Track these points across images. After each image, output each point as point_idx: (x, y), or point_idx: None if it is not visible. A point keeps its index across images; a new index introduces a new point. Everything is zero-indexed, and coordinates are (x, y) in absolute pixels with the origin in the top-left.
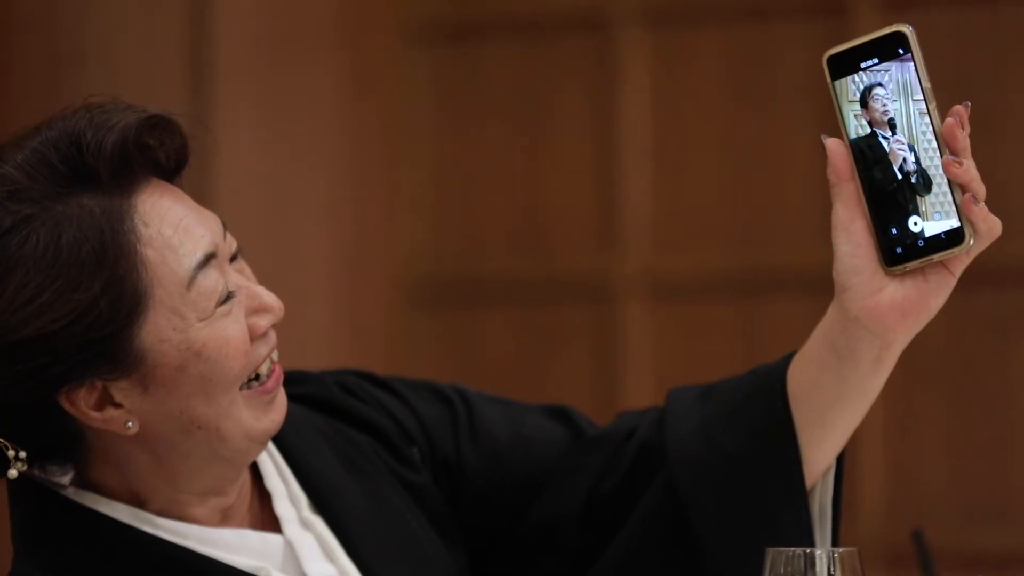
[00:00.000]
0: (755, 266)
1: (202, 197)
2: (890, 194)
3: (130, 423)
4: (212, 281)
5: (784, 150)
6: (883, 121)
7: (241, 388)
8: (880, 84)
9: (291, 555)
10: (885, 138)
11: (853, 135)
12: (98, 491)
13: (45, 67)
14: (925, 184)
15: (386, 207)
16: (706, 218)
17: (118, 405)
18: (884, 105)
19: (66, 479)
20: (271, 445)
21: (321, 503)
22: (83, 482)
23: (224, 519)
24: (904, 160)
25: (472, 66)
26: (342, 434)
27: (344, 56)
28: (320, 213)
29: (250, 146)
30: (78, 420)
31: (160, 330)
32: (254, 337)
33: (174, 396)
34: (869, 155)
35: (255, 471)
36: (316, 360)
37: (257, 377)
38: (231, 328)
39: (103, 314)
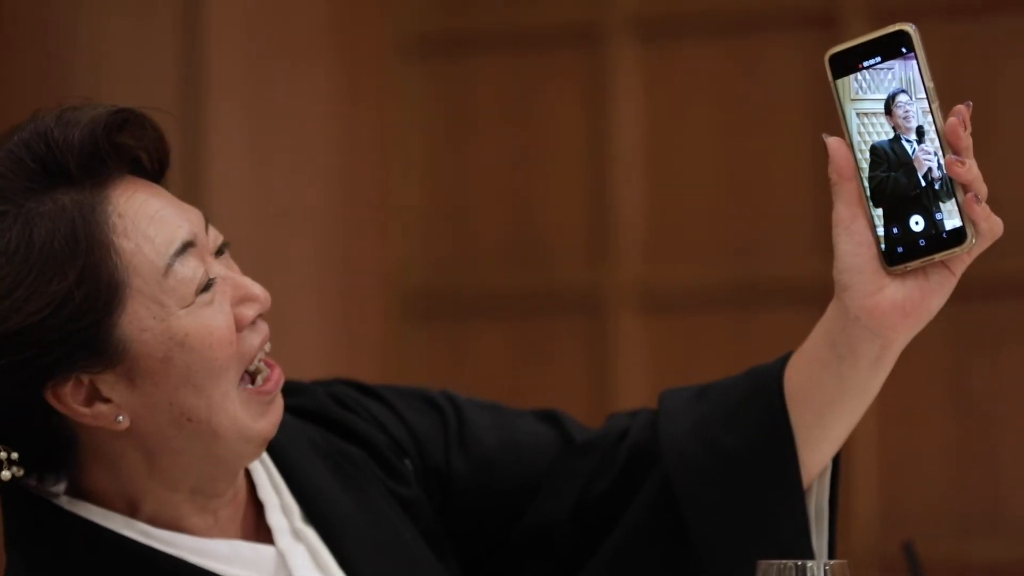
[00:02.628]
0: (748, 278)
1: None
2: (913, 199)
3: (120, 417)
4: (190, 269)
5: (776, 162)
6: (907, 127)
7: (241, 384)
8: (904, 91)
9: (283, 566)
10: (909, 142)
11: (856, 135)
12: (92, 499)
13: (34, 76)
14: (947, 191)
15: (378, 219)
16: (699, 230)
17: (107, 400)
18: (907, 111)
19: (60, 488)
20: (265, 455)
21: (313, 514)
22: (77, 490)
23: (216, 525)
24: (929, 169)
25: (464, 78)
26: (334, 446)
27: (336, 67)
28: (312, 224)
29: (242, 157)
30: (69, 419)
31: (140, 319)
32: (241, 327)
33: (161, 388)
34: (893, 159)
35: (249, 481)
36: (308, 373)
37: (256, 374)
38: (215, 318)
39: (80, 305)
